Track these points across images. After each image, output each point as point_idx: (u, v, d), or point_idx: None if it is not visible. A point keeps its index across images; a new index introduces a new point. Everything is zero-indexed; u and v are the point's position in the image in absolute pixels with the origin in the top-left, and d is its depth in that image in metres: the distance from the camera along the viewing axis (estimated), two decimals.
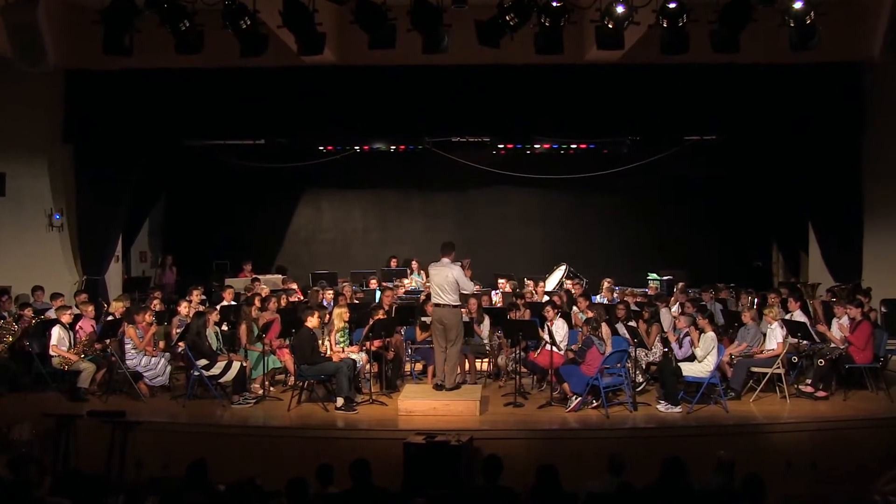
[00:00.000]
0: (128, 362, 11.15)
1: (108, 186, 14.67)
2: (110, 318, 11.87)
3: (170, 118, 14.56)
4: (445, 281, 10.71)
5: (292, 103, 14.46)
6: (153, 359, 11.32)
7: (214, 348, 11.22)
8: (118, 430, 8.94)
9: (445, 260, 10.92)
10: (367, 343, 11.33)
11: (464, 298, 11.42)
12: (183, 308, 12.32)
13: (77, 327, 11.63)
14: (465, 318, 12.23)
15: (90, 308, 12.05)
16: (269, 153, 17.59)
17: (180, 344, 11.44)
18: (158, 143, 15.49)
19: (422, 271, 16.31)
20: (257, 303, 12.26)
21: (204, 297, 13.80)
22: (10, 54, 11.94)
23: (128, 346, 11.19)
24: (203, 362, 10.93)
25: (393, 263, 17.78)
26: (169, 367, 11.54)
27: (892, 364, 11.92)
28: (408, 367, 12.69)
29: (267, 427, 10.21)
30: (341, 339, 11.66)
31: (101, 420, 9.21)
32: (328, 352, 11.22)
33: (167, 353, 11.67)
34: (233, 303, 13.39)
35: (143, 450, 9.40)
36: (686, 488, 6.95)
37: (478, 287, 15.48)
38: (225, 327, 12.46)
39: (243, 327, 11.68)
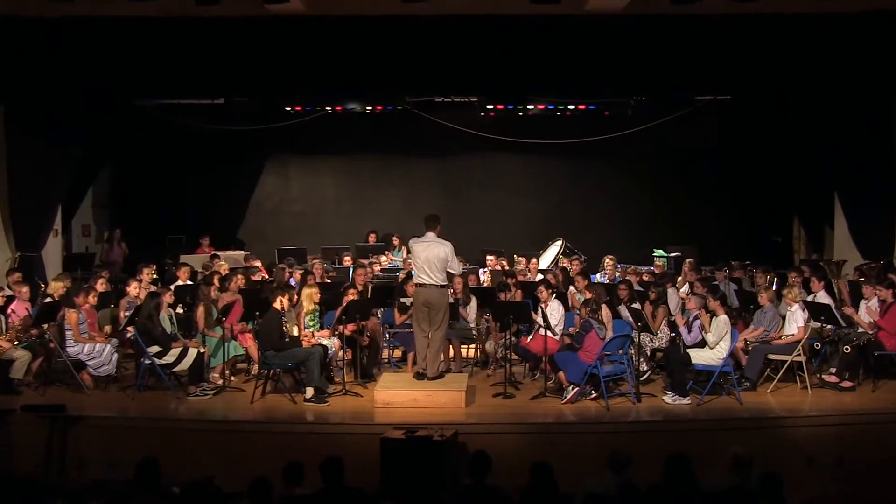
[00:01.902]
0: (68, 349, 11.05)
1: (45, 152, 14.48)
2: (48, 299, 11.75)
3: (116, 74, 14.37)
4: (436, 258, 10.69)
5: (255, 58, 14.29)
6: (98, 346, 11.22)
7: (168, 333, 11.15)
8: (57, 426, 8.89)
9: (431, 235, 10.87)
10: (340, 327, 11.29)
11: (448, 278, 11.38)
12: (132, 288, 12.22)
13: (9, 310, 11.49)
14: (450, 300, 12.23)
15: (24, 289, 11.90)
16: (230, 114, 17.41)
17: (129, 329, 11.36)
18: (103, 103, 15.31)
19: (404, 247, 16.28)
20: (216, 282, 12.20)
21: (156, 275, 13.70)
22: None
23: (68, 332, 11.09)
24: (155, 349, 10.86)
25: (371, 238, 17.73)
26: (116, 355, 11.44)
27: None
28: (385, 354, 12.67)
29: (227, 421, 10.16)
30: (311, 323, 11.61)
31: (37, 415, 9.15)
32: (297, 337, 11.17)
33: (114, 340, 11.57)
34: (189, 282, 13.32)
35: (87, 448, 9.35)
36: (695, 488, 6.95)
37: (463, 264, 15.49)
38: (180, 310, 12.41)
39: (201, 310, 11.61)
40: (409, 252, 11.19)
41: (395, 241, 17.09)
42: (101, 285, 12.43)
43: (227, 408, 10.61)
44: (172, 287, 12.56)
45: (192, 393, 10.86)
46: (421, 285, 10.81)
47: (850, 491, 8.96)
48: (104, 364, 11.24)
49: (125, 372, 11.83)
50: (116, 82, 14.59)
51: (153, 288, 12.39)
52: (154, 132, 17.77)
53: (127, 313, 11.63)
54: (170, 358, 10.88)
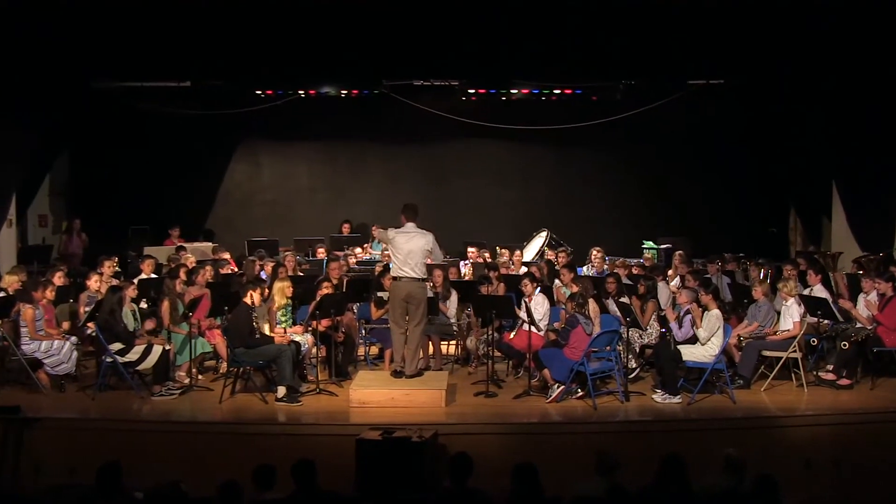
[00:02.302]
0: (24, 347, 10.96)
1: None
2: (2, 294, 11.66)
3: (75, 53, 14.25)
4: (419, 250, 10.70)
5: (224, 38, 14.21)
6: (55, 343, 11.14)
7: (131, 330, 11.09)
8: (12, 428, 8.83)
9: (412, 225, 10.87)
10: (314, 323, 11.25)
11: (427, 271, 11.39)
12: (93, 282, 12.14)
13: None
14: (430, 294, 12.22)
15: None
16: (197, 98, 17.34)
17: (89, 325, 11.28)
18: (61, 85, 15.17)
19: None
20: (183, 275, 12.13)
21: (118, 268, 13.60)
22: None
23: (23, 329, 11.01)
24: (117, 346, 10.78)
25: (345, 229, 17.68)
26: (75, 353, 11.37)
27: None
28: (361, 351, 12.65)
29: (194, 422, 10.12)
30: (283, 319, 11.58)
31: None
32: (268, 333, 11.13)
33: (73, 337, 11.50)
34: (153, 275, 13.26)
35: (44, 452, 9.26)
36: (687, 491, 6.96)
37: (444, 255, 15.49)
38: (144, 305, 12.34)
39: (166, 304, 11.55)
40: (388, 243, 11.14)
41: (374, 233, 17.04)
42: (58, 279, 12.34)
43: (194, 408, 10.56)
44: (136, 280, 12.49)
45: (157, 392, 10.79)
46: (400, 279, 10.80)
47: (848, 494, 9.04)
48: (62, 362, 11.15)
49: (85, 371, 11.74)
50: (74, 62, 14.47)
51: (115, 281, 12.30)
52: (115, 116, 17.61)
53: (87, 308, 11.55)
54: (133, 355, 10.81)
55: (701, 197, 18.21)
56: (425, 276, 10.97)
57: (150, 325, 11.38)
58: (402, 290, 10.80)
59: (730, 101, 17.34)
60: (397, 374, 10.84)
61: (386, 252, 12.76)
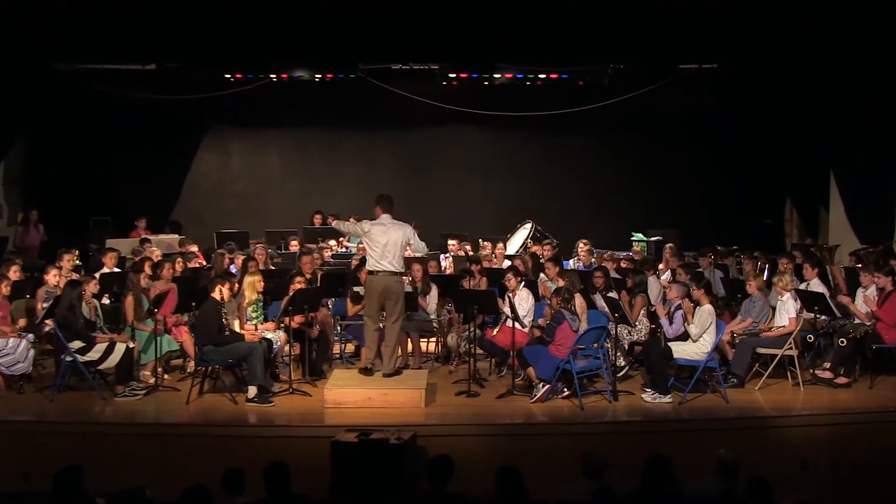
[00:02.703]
0: None
1: None
2: None
3: (33, 34, 14.14)
4: (398, 243, 10.73)
5: (191, 18, 14.15)
6: (11, 341, 11.05)
7: (92, 327, 11.03)
8: None
9: (388, 217, 10.87)
10: (286, 319, 11.22)
11: (406, 264, 11.38)
12: (51, 276, 12.07)
13: None
14: (408, 289, 12.21)
15: None
16: (163, 81, 17.26)
17: (48, 322, 11.20)
18: (17, 66, 15.06)
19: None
20: (147, 269, 12.09)
21: (78, 262, 13.53)
22: None
23: None
24: (77, 344, 10.72)
25: (316, 220, 17.65)
26: (32, 352, 11.28)
27: None
28: (336, 349, 12.65)
29: (160, 424, 10.08)
30: (254, 315, 11.55)
31: None
32: (238, 330, 11.11)
33: (30, 334, 11.42)
34: (116, 269, 13.19)
35: None
36: (677, 495, 7.00)
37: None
38: (106, 300, 12.27)
39: (130, 300, 11.49)
40: (361, 236, 11.11)
41: (334, 224, 16.98)
42: (14, 273, 12.23)
43: (159, 409, 10.50)
44: (97, 275, 12.42)
45: (120, 393, 10.74)
46: (377, 273, 10.78)
47: (846, 496, 9.10)
48: (18, 361, 11.07)
49: (43, 371, 11.68)
50: (32, 43, 14.35)
51: (75, 276, 12.22)
52: (76, 101, 17.52)
53: (45, 305, 11.47)
54: (94, 354, 10.75)
55: (693, 187, 18.28)
56: (403, 270, 10.98)
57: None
58: (379, 284, 10.79)
59: (723, 87, 17.41)
60: (367, 371, 10.85)
61: (362, 245, 12.73)
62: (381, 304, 10.85)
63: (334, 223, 11.81)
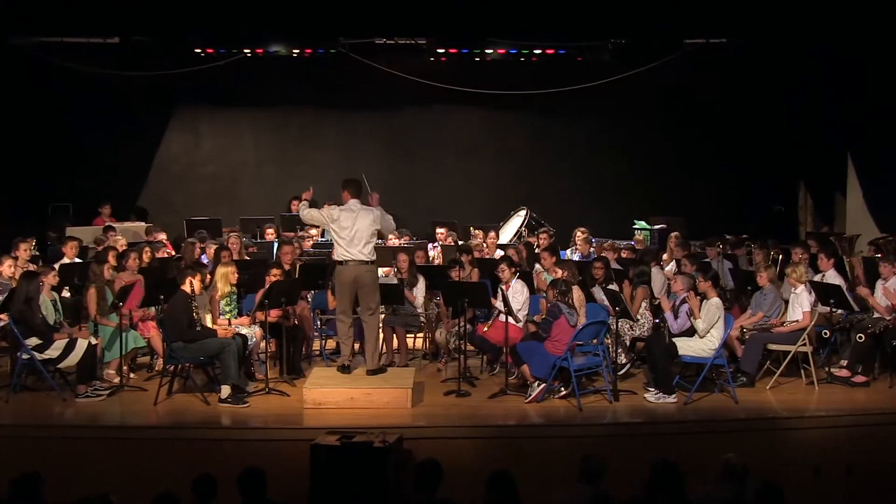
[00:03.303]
0: None
1: None
2: None
3: None
4: (367, 229, 10.73)
5: None
6: None
7: (51, 322, 10.99)
8: None
9: (355, 202, 10.88)
10: (261, 313, 11.22)
11: (389, 253, 11.37)
12: (5, 267, 12.03)
13: None
14: (393, 280, 12.20)
15: None
16: (127, 56, 17.20)
17: (2, 316, 11.16)
18: None
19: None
20: (112, 260, 12.04)
21: (36, 252, 13.48)
22: None
23: None
24: (35, 341, 10.69)
25: (294, 207, 17.63)
26: None
27: None
28: (316, 345, 12.66)
29: (125, 427, 10.07)
30: (227, 309, 11.53)
31: None
32: (210, 325, 11.09)
33: None
34: (77, 260, 13.15)
35: None
36: (682, 501, 7.02)
37: (408, 239, 15.47)
38: (67, 293, 12.25)
39: (92, 293, 11.46)
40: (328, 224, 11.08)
41: (296, 208, 16.94)
42: None
43: (125, 411, 10.49)
44: (56, 266, 12.36)
45: (82, 393, 10.71)
46: (346, 262, 10.78)
47: (862, 503, 9.14)
48: None
49: None
50: None
51: (32, 267, 12.20)
52: (33, 78, 17.45)
53: None
54: (53, 352, 10.72)
55: (699, 171, 18.29)
56: (374, 259, 10.97)
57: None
58: (349, 274, 10.78)
59: (732, 64, 17.41)
60: (345, 369, 10.88)
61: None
62: (354, 297, 10.87)
63: (300, 211, 11.53)
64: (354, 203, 10.88)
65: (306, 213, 11.37)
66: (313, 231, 16.17)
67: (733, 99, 18.02)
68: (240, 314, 11.66)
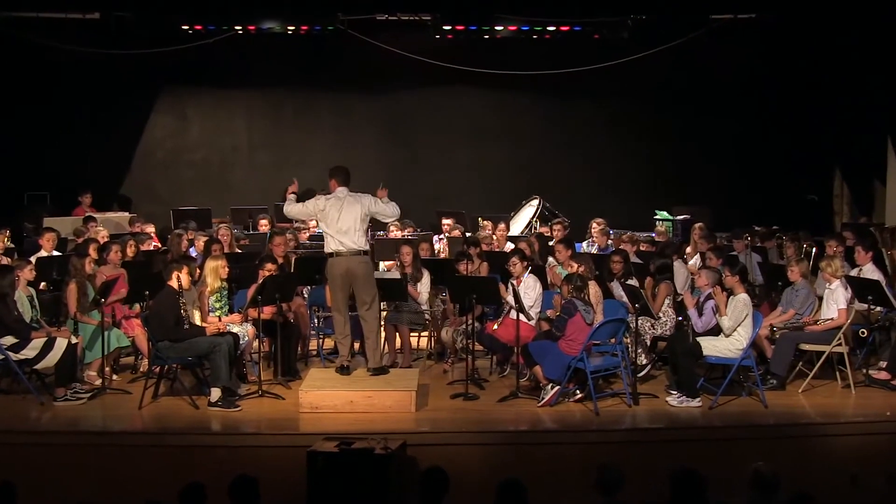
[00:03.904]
0: None
1: None
2: None
3: None
4: (358, 218, 10.74)
5: None
6: None
7: (28, 320, 10.99)
8: None
9: (343, 190, 10.90)
10: (255, 310, 11.22)
11: (392, 246, 11.35)
12: None
13: None
14: (396, 274, 12.20)
15: None
16: (109, 34, 17.19)
17: None
18: None
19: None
20: (93, 253, 12.05)
21: (11, 244, 13.49)
22: None
23: None
24: (10, 340, 10.70)
25: (289, 195, 17.62)
26: None
27: None
28: (313, 345, 12.68)
29: (108, 433, 10.07)
30: (217, 305, 11.52)
31: None
32: (199, 323, 11.09)
33: None
34: (56, 253, 13.16)
35: None
36: None
37: (412, 230, 15.46)
38: (44, 289, 12.28)
39: (72, 288, 11.45)
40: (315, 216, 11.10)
41: (292, 209, 16.95)
42: None
43: (107, 415, 10.50)
44: (33, 259, 12.37)
45: (61, 397, 10.72)
46: (337, 254, 10.78)
47: None
48: None
49: None
50: None
51: (7, 260, 12.22)
52: (7, 56, 17.46)
53: None
54: (30, 352, 10.72)
55: (725, 158, 18.27)
56: (367, 249, 11.00)
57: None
58: (341, 267, 10.79)
59: (762, 41, 17.36)
60: (344, 370, 10.86)
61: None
62: (349, 292, 10.87)
63: (285, 208, 11.62)
64: (342, 191, 10.88)
65: (291, 208, 11.39)
66: (312, 221, 16.16)
67: (763, 80, 17.97)
68: (231, 311, 11.65)
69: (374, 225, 11.53)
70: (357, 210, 10.76)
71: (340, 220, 10.74)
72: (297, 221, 15.99)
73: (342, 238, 10.74)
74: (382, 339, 11.31)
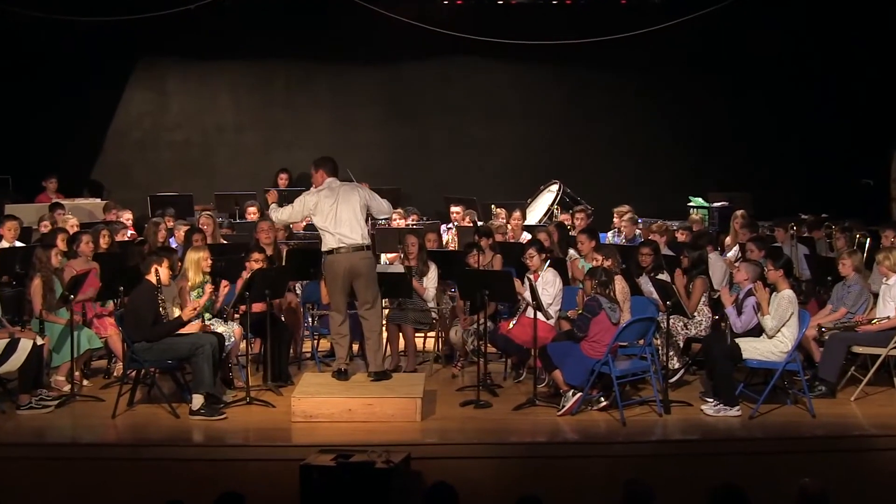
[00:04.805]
0: None
1: None
2: None
3: None
4: (356, 208, 10.72)
5: None
6: None
7: None
8: None
9: (333, 181, 10.89)
10: (242, 307, 11.22)
11: (395, 236, 11.33)
12: None
13: None
14: (400, 268, 12.19)
15: None
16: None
17: None
18: None
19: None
20: (60, 244, 12.08)
21: None
22: None
23: None
24: None
25: (282, 181, 17.65)
26: None
27: None
28: (307, 346, 12.70)
29: (77, 445, 10.11)
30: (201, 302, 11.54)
31: None
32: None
33: None
34: (18, 244, 13.20)
35: None
36: None
37: (416, 218, 15.45)
38: (6, 282, 12.31)
39: (37, 284, 11.47)
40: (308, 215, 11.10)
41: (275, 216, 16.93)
42: None
43: (77, 425, 10.54)
44: None
45: (25, 405, 10.74)
46: (336, 251, 10.76)
47: None
48: None
49: None
50: None
51: None
52: None
53: None
54: None
55: (767, 138, 18.25)
56: (368, 243, 10.95)
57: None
58: (341, 264, 10.76)
59: (808, 7, 17.31)
60: (341, 374, 10.87)
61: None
62: (348, 290, 10.85)
63: (271, 215, 11.68)
64: (332, 181, 10.86)
65: (279, 214, 11.37)
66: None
67: (809, 50, 17.94)
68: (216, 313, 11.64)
69: None
70: (355, 199, 10.75)
71: (339, 212, 10.69)
72: None
73: (342, 231, 10.67)
74: (385, 340, 11.28)
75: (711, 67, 18.27)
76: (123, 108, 19.32)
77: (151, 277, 10.75)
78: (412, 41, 18.14)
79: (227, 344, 11.10)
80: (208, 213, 14.69)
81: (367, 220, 11.01)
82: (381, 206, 11.14)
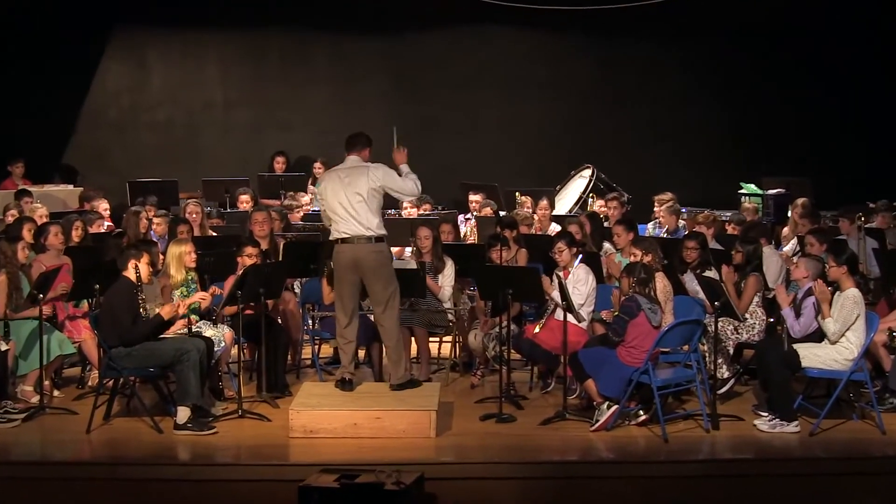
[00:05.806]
0: None
1: None
2: None
3: None
4: (364, 193, 10.66)
5: None
6: None
7: None
8: None
9: (354, 158, 10.86)
10: (234, 309, 11.24)
11: (406, 227, 11.31)
12: None
13: None
14: (411, 263, 12.19)
15: None
16: None
17: None
18: None
19: None
20: (27, 236, 12.11)
21: None
22: None
23: None
24: None
25: (278, 165, 17.67)
26: None
27: None
28: (307, 352, 12.72)
29: (47, 463, 10.13)
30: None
31: None
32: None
33: None
34: None
35: None
36: None
37: (430, 208, 15.46)
38: None
39: (1, 281, 11.51)
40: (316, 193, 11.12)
41: (318, 169, 16.94)
42: None
43: (46, 440, 10.57)
44: None
45: None
46: (343, 241, 10.74)
47: None
48: None
49: None
50: None
51: None
52: None
53: None
54: None
55: (829, 116, 18.24)
56: (381, 234, 10.85)
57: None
58: (346, 257, 10.73)
59: None
60: (345, 384, 10.84)
61: None
62: (356, 287, 10.84)
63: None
64: (349, 160, 10.85)
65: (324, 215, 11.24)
66: (305, 198, 16.18)
67: (876, 15, 17.90)
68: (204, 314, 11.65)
69: (386, 201, 11.39)
70: (362, 183, 10.64)
71: (339, 197, 10.67)
72: (287, 198, 16.04)
73: (346, 219, 10.64)
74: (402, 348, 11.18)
75: (765, 37, 18.26)
76: (98, 83, 19.39)
77: (130, 274, 10.74)
78: (421, 7, 18.16)
79: (216, 350, 11.11)
80: (195, 201, 14.70)
81: (380, 208, 10.88)
82: (404, 186, 10.93)
